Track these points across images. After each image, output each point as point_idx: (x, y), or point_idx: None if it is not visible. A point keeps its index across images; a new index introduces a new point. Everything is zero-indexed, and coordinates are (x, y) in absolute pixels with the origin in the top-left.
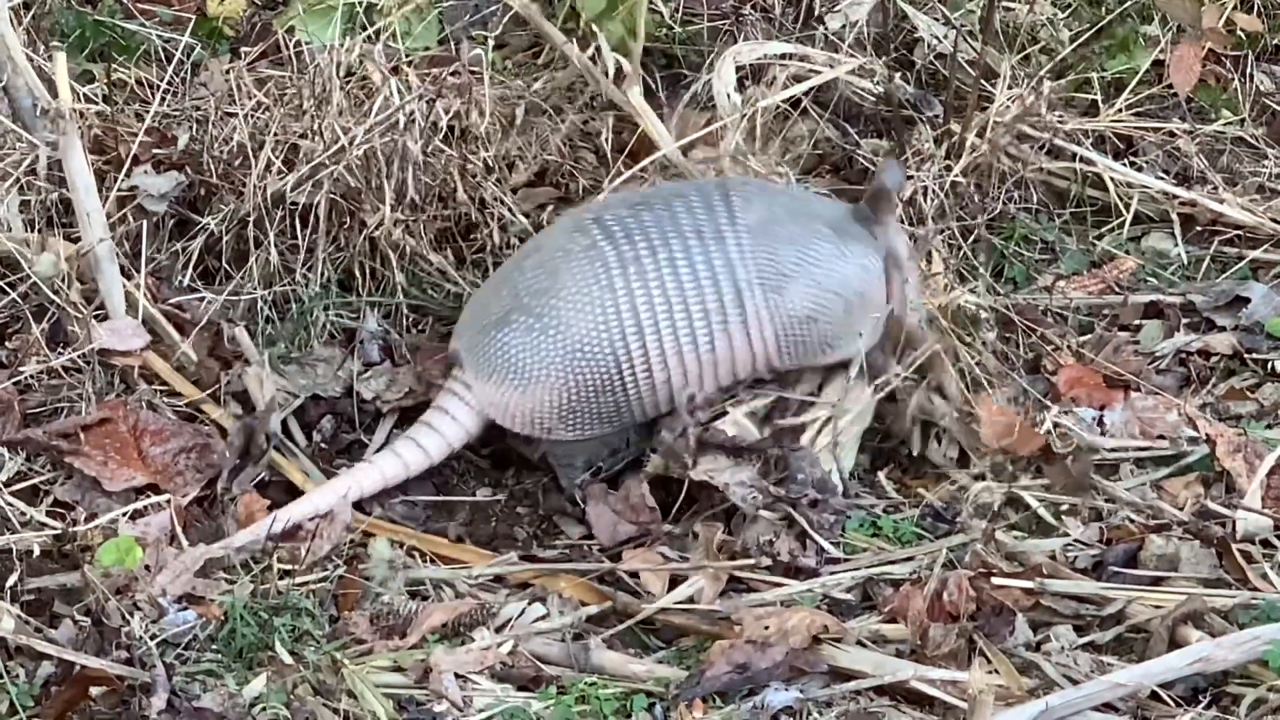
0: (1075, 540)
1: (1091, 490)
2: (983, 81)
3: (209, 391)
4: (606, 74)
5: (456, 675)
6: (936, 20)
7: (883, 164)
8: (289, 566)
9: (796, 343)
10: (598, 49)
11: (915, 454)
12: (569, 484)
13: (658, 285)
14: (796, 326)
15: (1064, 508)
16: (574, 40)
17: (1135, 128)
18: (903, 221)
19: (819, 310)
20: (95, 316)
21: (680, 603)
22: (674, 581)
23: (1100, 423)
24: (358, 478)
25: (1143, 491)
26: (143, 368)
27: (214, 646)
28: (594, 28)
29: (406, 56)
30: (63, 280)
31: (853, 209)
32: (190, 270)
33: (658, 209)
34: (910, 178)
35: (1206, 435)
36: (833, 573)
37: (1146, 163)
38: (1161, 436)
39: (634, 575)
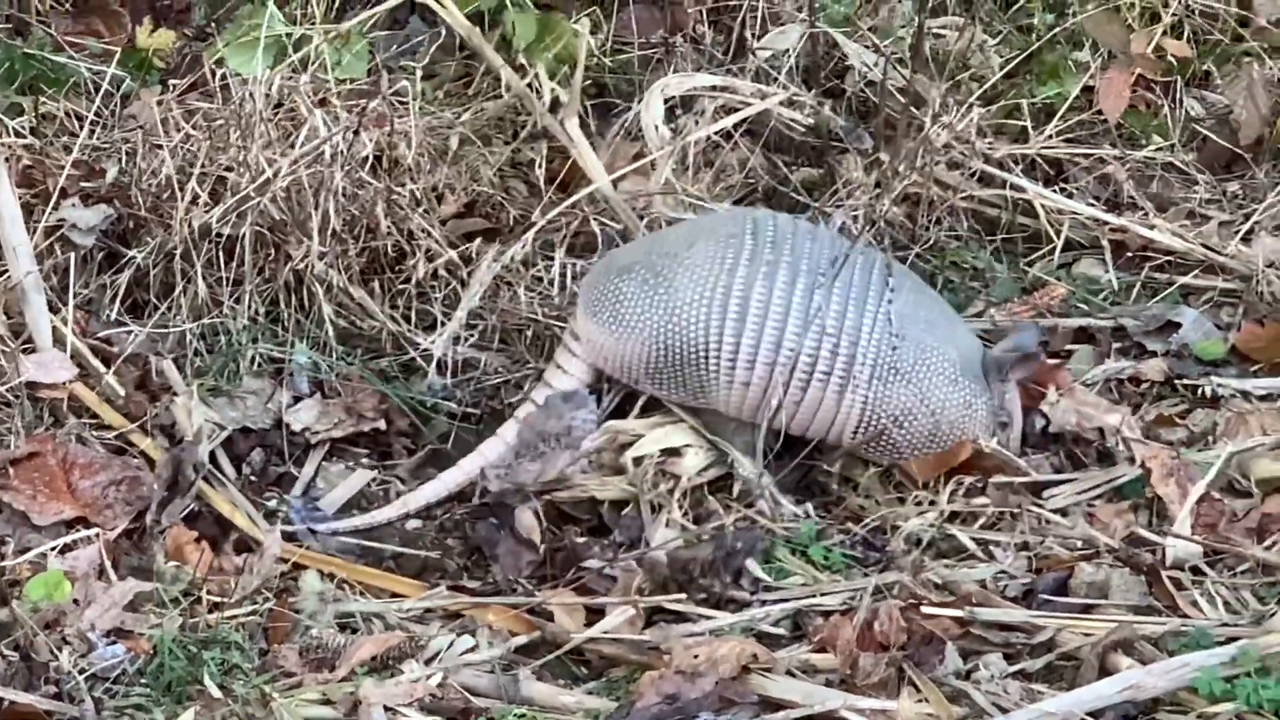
0: (1005, 569)
1: (1022, 513)
2: (913, 109)
3: (138, 424)
4: (543, 103)
5: (386, 708)
6: (866, 48)
7: (1020, 326)
8: (218, 600)
9: (874, 433)
10: (537, 77)
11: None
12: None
13: (781, 299)
14: (882, 420)
15: (991, 538)
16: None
17: (1066, 154)
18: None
19: (908, 418)
20: (22, 350)
21: (609, 632)
22: (603, 612)
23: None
24: (484, 453)
25: (1075, 518)
26: (71, 401)
27: (143, 681)
28: (530, 58)
29: (335, 87)
30: None
31: (987, 353)
32: (118, 303)
33: (821, 241)
34: (839, 208)
35: (1141, 460)
36: (763, 603)
37: (1077, 189)
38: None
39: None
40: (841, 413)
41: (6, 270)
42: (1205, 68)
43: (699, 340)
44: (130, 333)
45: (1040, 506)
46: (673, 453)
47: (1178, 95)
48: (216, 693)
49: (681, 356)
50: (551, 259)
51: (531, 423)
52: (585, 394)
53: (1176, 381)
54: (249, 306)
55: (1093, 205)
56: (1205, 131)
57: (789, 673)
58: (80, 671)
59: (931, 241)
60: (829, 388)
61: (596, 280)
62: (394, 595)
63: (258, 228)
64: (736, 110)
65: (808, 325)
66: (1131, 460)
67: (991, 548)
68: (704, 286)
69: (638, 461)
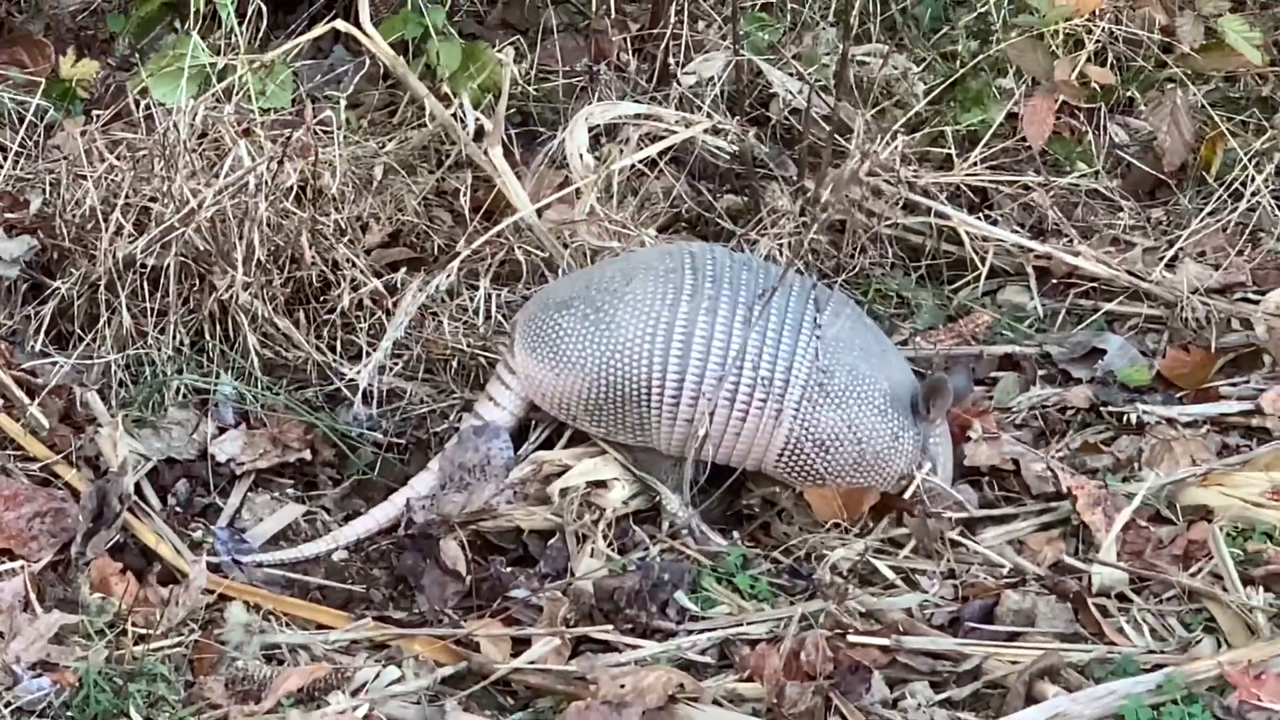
0: (931, 597)
1: (946, 545)
2: (837, 137)
3: (63, 455)
4: (468, 132)
5: None
6: (790, 76)
7: (955, 368)
8: (144, 631)
9: (798, 458)
10: (461, 106)
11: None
12: (673, 510)
13: (723, 331)
14: (806, 445)
15: (917, 566)
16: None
17: (990, 181)
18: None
19: (834, 445)
20: None
21: (535, 663)
22: (529, 642)
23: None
24: (415, 486)
25: (1001, 547)
26: None
27: (69, 714)
28: (454, 87)
29: (259, 117)
30: None
31: (918, 388)
32: (43, 334)
33: (756, 273)
34: (764, 236)
35: (1067, 488)
36: (690, 632)
37: (1001, 216)
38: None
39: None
40: (773, 438)
41: None
42: (1129, 94)
43: (642, 377)
44: (55, 364)
45: (968, 537)
46: (599, 484)
47: (1101, 122)
48: None
49: (623, 393)
50: (476, 288)
51: (449, 456)
52: (498, 426)
53: (1102, 408)
54: (174, 337)
55: (1017, 232)
56: (1129, 158)
57: (716, 702)
58: (5, 705)
59: (856, 269)
60: (764, 415)
61: (533, 315)
62: (320, 626)
63: (182, 258)
64: (661, 138)
65: (745, 356)
66: (1058, 494)
67: (918, 576)
68: (646, 322)
69: (564, 493)
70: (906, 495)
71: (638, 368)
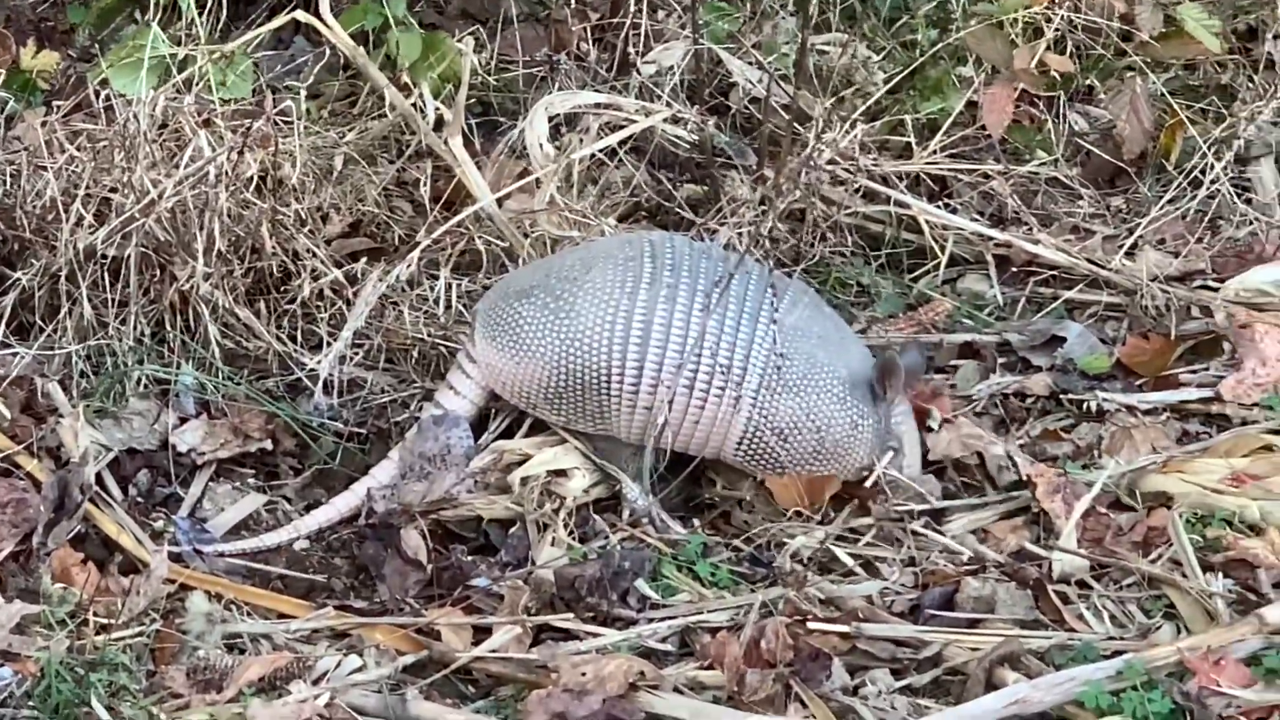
0: (891, 584)
1: (906, 534)
2: (797, 126)
3: (24, 446)
4: (428, 122)
5: None
6: (750, 65)
7: (906, 344)
8: (105, 621)
9: (757, 446)
10: (421, 96)
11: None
12: (633, 499)
13: (681, 319)
14: (765, 433)
15: (877, 553)
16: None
17: (950, 169)
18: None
19: (793, 433)
20: None
21: (496, 651)
22: (490, 631)
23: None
24: (376, 475)
25: (963, 535)
26: None
27: (30, 703)
28: (414, 77)
29: (220, 108)
30: None
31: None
32: (3, 325)
33: (716, 261)
34: (724, 225)
35: (1027, 476)
36: (650, 620)
37: (961, 204)
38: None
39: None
40: (732, 426)
41: None
42: (1088, 82)
43: (602, 365)
44: (15, 354)
45: (932, 528)
46: (559, 473)
47: (1061, 110)
48: (104, 715)
49: (583, 381)
50: (437, 278)
51: (410, 445)
52: (458, 415)
53: (1062, 396)
54: (135, 328)
55: (977, 220)
56: (1089, 146)
57: (676, 690)
58: None
59: (816, 258)
60: (723, 402)
61: (494, 304)
62: (281, 616)
63: (143, 249)
64: (621, 128)
65: (704, 344)
66: (1019, 483)
67: (878, 563)
68: (606, 311)
69: (524, 482)
70: (868, 484)
71: (597, 356)
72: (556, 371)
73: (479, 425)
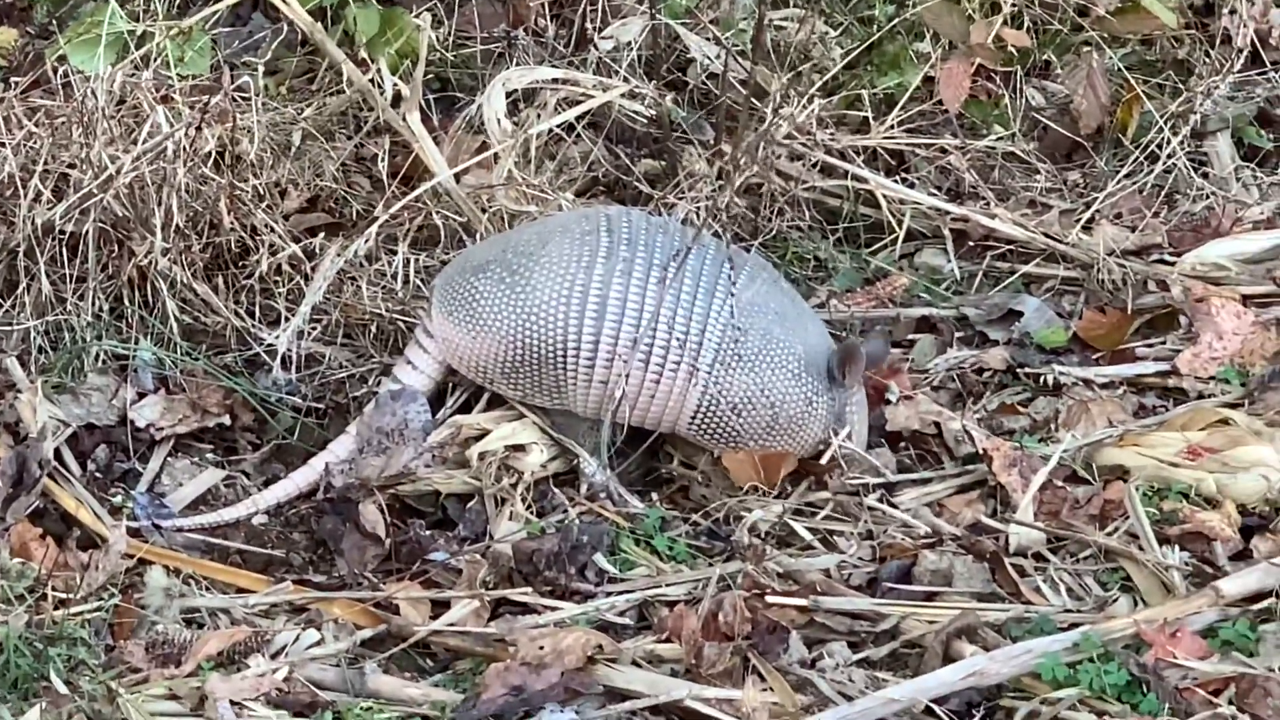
0: (849, 558)
1: (862, 508)
2: (754, 100)
3: None
4: (386, 97)
5: (232, 703)
6: (707, 40)
7: (870, 332)
8: (64, 596)
9: (711, 421)
10: (379, 72)
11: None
12: (590, 473)
13: (637, 294)
14: (719, 408)
15: (835, 527)
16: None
17: (907, 144)
18: None
19: (747, 408)
20: None
21: (454, 625)
22: (448, 605)
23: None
24: (334, 450)
25: (919, 509)
26: None
27: None
28: (372, 52)
29: (178, 84)
30: None
31: (833, 353)
32: None
33: (673, 236)
34: (681, 200)
35: (983, 450)
36: (608, 594)
37: (918, 179)
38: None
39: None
40: (686, 400)
41: None
42: (1045, 57)
43: (557, 340)
44: None
45: (887, 502)
46: (517, 448)
47: (1018, 85)
48: (63, 689)
49: (539, 356)
50: (395, 253)
51: (367, 421)
52: (415, 390)
53: (1019, 370)
54: (93, 303)
55: (934, 195)
56: (1046, 121)
57: (634, 663)
58: None
59: (774, 233)
60: (676, 375)
61: (451, 279)
62: (240, 590)
63: (101, 224)
64: (579, 103)
65: (659, 319)
66: (975, 457)
67: (835, 537)
68: (561, 285)
69: (482, 457)
70: (823, 460)
71: (552, 331)
72: (512, 347)
73: (437, 400)
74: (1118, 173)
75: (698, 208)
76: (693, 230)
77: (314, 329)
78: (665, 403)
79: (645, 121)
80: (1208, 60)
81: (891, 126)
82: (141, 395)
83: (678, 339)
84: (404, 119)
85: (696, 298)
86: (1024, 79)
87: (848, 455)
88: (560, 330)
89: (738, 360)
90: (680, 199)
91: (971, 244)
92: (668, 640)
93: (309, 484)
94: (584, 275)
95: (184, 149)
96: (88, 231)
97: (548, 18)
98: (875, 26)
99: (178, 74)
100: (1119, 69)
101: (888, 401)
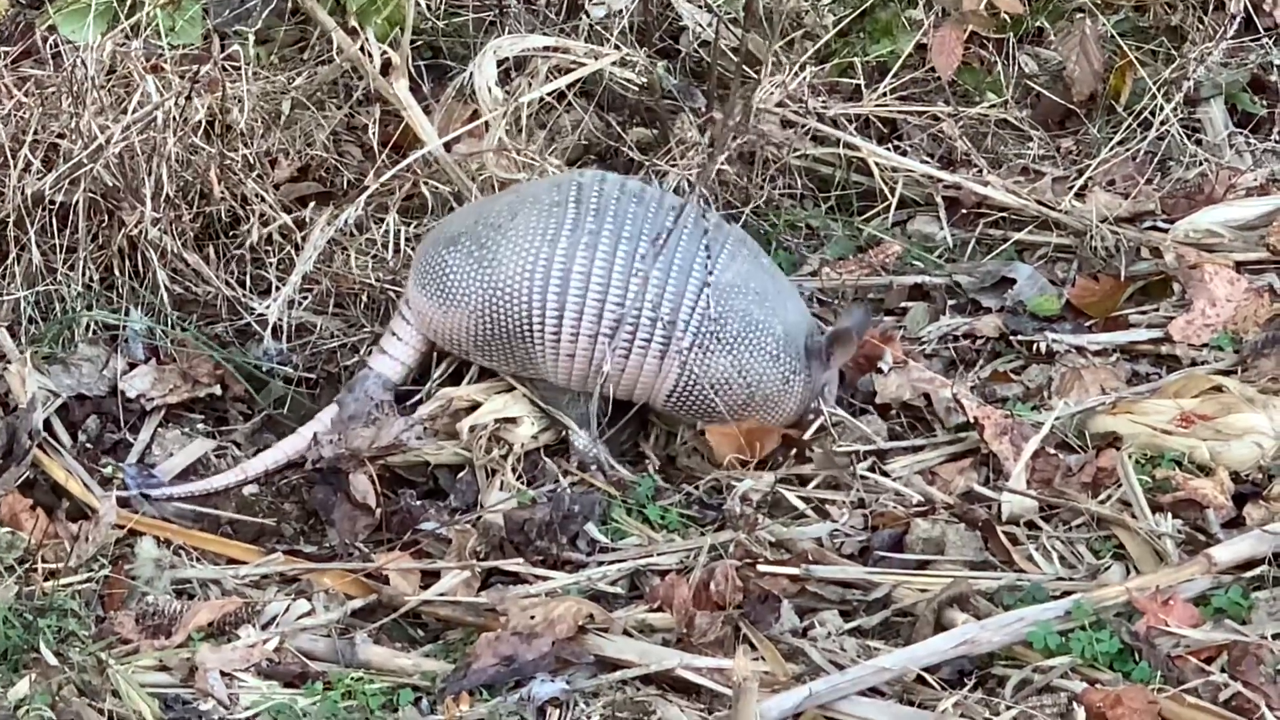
0: (841, 526)
1: (853, 476)
2: (746, 68)
3: None
4: (376, 66)
5: (222, 673)
6: (699, 8)
7: (850, 308)
8: (54, 567)
9: (689, 399)
10: (367, 40)
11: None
12: (581, 445)
13: (602, 270)
14: (698, 387)
15: (826, 496)
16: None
17: (899, 112)
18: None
19: (725, 388)
20: None
21: (445, 595)
22: (439, 575)
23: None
24: (323, 419)
25: (909, 476)
26: None
27: None
28: (362, 21)
29: (168, 53)
30: None
31: (812, 331)
32: None
33: (648, 205)
34: (673, 167)
35: (974, 418)
36: (600, 564)
37: (911, 146)
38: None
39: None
40: (660, 377)
41: None
42: (1038, 24)
43: (522, 314)
44: None
45: (879, 470)
46: (508, 420)
47: (1011, 52)
48: (53, 660)
49: (507, 330)
50: (385, 222)
51: (344, 402)
52: (379, 374)
53: (1011, 337)
54: (83, 273)
55: (927, 163)
56: (1038, 88)
57: (626, 632)
58: None
59: (766, 200)
60: (649, 353)
61: (425, 251)
62: (230, 561)
63: (91, 194)
64: (570, 71)
65: (628, 294)
66: (968, 424)
67: (827, 506)
68: (525, 259)
69: (473, 429)
70: (808, 435)
71: (518, 305)
72: (481, 321)
73: (425, 372)
74: (1110, 140)
75: (689, 175)
76: (673, 198)
77: (304, 298)
78: (636, 378)
79: (637, 89)
80: (1201, 26)
81: (884, 94)
82: (132, 365)
83: (660, 320)
84: (394, 88)
85: (671, 277)
86: (1017, 46)
87: (839, 422)
88: (525, 305)
89: (717, 343)
90: (672, 166)
91: (964, 211)
92: (659, 609)
93: (298, 452)
94: (548, 249)
95: (174, 118)
96: (78, 201)
97: None
98: None
99: (168, 43)
100: (1112, 35)
101: (879, 370)
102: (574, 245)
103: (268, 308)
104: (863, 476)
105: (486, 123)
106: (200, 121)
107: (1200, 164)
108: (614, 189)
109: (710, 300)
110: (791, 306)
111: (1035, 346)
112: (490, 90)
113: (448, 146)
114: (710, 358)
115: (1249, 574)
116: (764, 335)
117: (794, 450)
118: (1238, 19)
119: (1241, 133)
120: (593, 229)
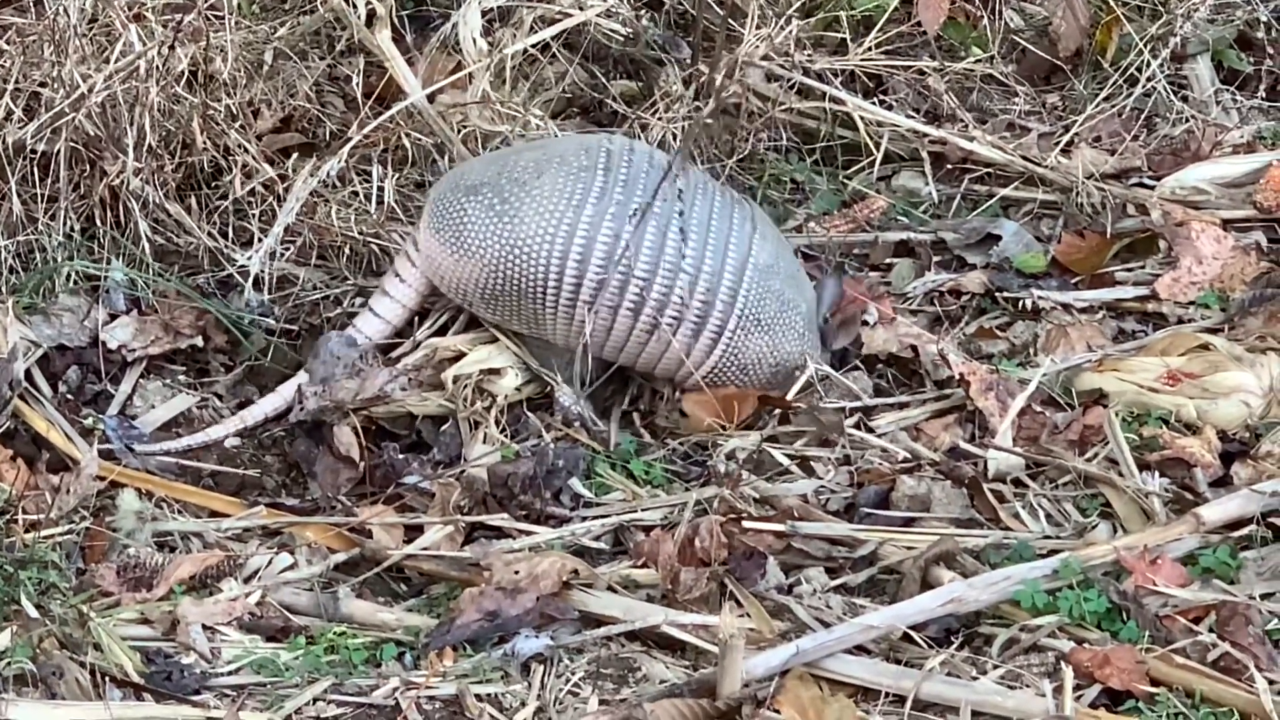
0: (827, 483)
1: (840, 434)
2: (731, 21)
3: None
4: (359, 16)
5: (204, 627)
6: None
7: (823, 280)
8: (35, 519)
9: (723, 374)
10: None
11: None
12: (566, 403)
13: (630, 239)
14: (734, 365)
15: (812, 453)
16: None
17: (885, 66)
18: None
19: (757, 366)
20: None
21: (429, 549)
22: (422, 529)
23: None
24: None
25: (895, 433)
26: None
27: None
28: None
29: (150, 2)
30: None
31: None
32: None
33: (691, 180)
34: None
35: (959, 374)
36: (584, 519)
37: (896, 101)
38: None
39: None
40: (699, 354)
41: None
42: None
43: (539, 276)
44: None
45: (865, 426)
46: (492, 371)
47: (997, 7)
48: (33, 612)
49: (519, 289)
50: (368, 174)
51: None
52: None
53: (997, 294)
54: (64, 223)
55: (912, 117)
56: (1024, 43)
57: (610, 588)
58: None
59: (750, 154)
60: (685, 327)
61: (443, 195)
62: (213, 514)
63: (73, 144)
64: (555, 22)
65: (658, 273)
66: (952, 380)
67: (813, 462)
68: (549, 222)
69: (456, 379)
70: (792, 393)
71: (535, 266)
72: (494, 275)
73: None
74: (1097, 95)
75: (674, 128)
76: (695, 172)
77: (287, 250)
78: (669, 357)
79: (621, 41)
80: None
81: (869, 48)
82: (113, 316)
83: (679, 295)
84: (377, 38)
85: (707, 258)
86: (1003, 1)
87: (825, 378)
88: (543, 267)
89: (757, 325)
90: (657, 119)
91: (950, 167)
92: (644, 565)
93: (285, 402)
94: (573, 214)
95: (156, 68)
96: (59, 151)
97: None
98: None
99: None
100: None
101: (865, 324)
102: (600, 214)
103: (250, 259)
104: (849, 433)
105: (470, 74)
106: (183, 71)
107: (1187, 121)
108: (643, 160)
109: (753, 282)
110: (806, 283)
111: (1021, 303)
112: (475, 41)
113: (431, 98)
114: (750, 339)
115: (1237, 533)
116: (795, 314)
117: (776, 410)
118: None
119: (1228, 89)
120: (620, 199)
